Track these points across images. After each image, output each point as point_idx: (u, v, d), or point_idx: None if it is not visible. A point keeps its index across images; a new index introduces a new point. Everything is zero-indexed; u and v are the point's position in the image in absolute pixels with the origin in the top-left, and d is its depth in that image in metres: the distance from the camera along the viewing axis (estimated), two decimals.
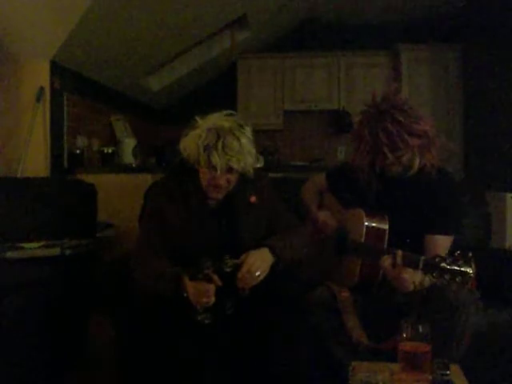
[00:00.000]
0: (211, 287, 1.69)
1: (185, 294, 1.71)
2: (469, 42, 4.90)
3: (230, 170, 1.74)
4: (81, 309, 2.35)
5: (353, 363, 1.55)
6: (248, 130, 1.78)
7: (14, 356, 2.06)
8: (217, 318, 1.75)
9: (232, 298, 1.78)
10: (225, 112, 1.80)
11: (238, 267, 1.75)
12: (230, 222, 1.86)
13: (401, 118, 1.79)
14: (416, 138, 1.81)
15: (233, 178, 1.78)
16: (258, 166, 1.87)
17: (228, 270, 1.77)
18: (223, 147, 1.69)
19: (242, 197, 1.87)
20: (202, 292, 1.69)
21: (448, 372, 1.44)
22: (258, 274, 1.73)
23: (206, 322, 1.74)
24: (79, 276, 2.35)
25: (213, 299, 1.69)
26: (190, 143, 1.75)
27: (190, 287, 1.70)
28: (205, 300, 1.68)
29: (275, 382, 1.73)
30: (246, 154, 1.74)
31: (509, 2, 3.97)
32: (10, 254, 2.13)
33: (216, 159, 1.69)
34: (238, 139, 1.72)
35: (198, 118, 1.79)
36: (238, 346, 1.73)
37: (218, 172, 1.72)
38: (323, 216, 2.17)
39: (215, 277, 1.72)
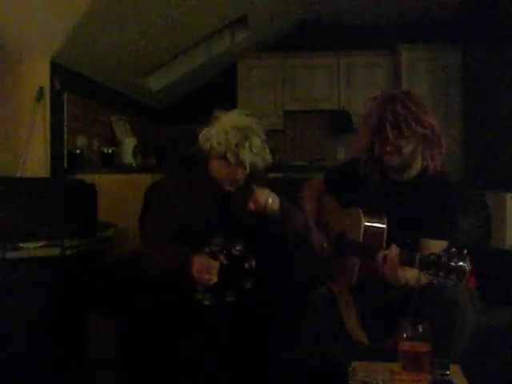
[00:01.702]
0: (215, 264, 1.72)
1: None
2: (469, 42, 4.91)
3: (251, 166, 1.82)
4: (81, 309, 2.35)
5: (353, 363, 1.55)
6: (263, 131, 1.88)
7: (14, 356, 2.06)
8: (216, 302, 1.76)
9: (234, 285, 1.80)
10: (243, 111, 1.89)
11: (246, 254, 1.80)
12: (233, 213, 1.89)
13: (411, 106, 1.82)
14: (421, 128, 1.82)
15: (246, 172, 1.85)
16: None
17: (235, 252, 1.82)
18: (250, 146, 1.78)
19: (246, 189, 1.88)
20: (206, 267, 1.71)
21: (448, 372, 1.44)
22: (270, 200, 1.78)
23: (205, 302, 1.75)
24: (79, 276, 2.35)
25: (215, 278, 1.71)
26: (216, 137, 1.79)
27: (195, 261, 1.72)
28: (207, 277, 1.70)
29: (275, 382, 1.73)
30: (267, 153, 1.85)
31: (509, 2, 3.98)
32: (9, 254, 2.13)
33: (244, 157, 1.77)
34: (262, 139, 1.83)
35: (219, 114, 1.86)
36: (238, 346, 1.73)
37: (247, 170, 1.80)
38: (320, 239, 2.19)
39: (221, 255, 1.76)
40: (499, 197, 3.38)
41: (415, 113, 1.81)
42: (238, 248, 1.84)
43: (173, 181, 1.96)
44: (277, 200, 1.82)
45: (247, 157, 1.78)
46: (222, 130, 1.80)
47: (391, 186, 1.97)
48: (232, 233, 1.86)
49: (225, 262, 1.75)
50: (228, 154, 1.78)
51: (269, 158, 1.87)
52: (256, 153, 1.80)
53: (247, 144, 1.78)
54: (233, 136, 1.78)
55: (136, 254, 1.99)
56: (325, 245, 2.18)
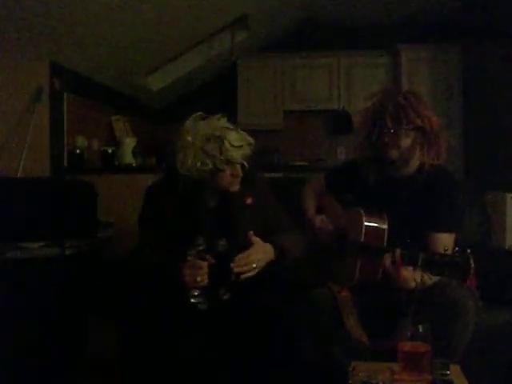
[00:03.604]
0: (204, 264, 1.71)
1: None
2: (469, 42, 4.90)
3: (244, 158, 1.80)
4: (81, 309, 2.35)
5: (353, 363, 1.55)
6: (224, 118, 1.83)
7: (14, 356, 2.06)
8: (211, 303, 1.75)
9: (226, 283, 1.77)
10: (196, 116, 1.81)
11: (232, 249, 1.77)
12: (225, 222, 1.87)
13: (412, 99, 1.86)
14: (420, 120, 1.84)
15: (246, 166, 1.83)
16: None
17: (221, 248, 1.80)
18: (231, 144, 1.74)
19: (239, 198, 1.88)
20: (195, 269, 1.70)
21: (448, 372, 1.44)
22: (254, 265, 1.73)
23: (201, 306, 1.74)
24: (79, 276, 2.35)
25: (206, 278, 1.69)
26: (197, 162, 1.74)
27: (183, 266, 1.71)
28: (198, 278, 1.68)
29: (275, 382, 1.73)
30: (246, 136, 1.80)
31: (509, 2, 3.97)
32: (10, 254, 2.13)
33: (235, 157, 1.75)
34: (233, 128, 1.78)
35: (182, 130, 1.79)
36: (238, 346, 1.73)
37: (245, 164, 1.79)
38: (319, 221, 2.18)
39: (207, 255, 1.74)
40: (499, 197, 3.38)
41: (415, 106, 1.84)
42: (222, 243, 1.81)
43: (167, 185, 1.92)
44: (263, 264, 1.76)
45: (237, 155, 1.75)
46: (198, 151, 1.74)
47: (390, 182, 1.97)
48: (230, 233, 1.85)
49: (212, 260, 1.74)
50: (219, 167, 1.75)
51: (250, 138, 1.81)
52: (240, 145, 1.76)
53: (227, 145, 1.73)
54: (211, 148, 1.73)
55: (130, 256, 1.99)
56: (325, 228, 2.15)
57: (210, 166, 1.75)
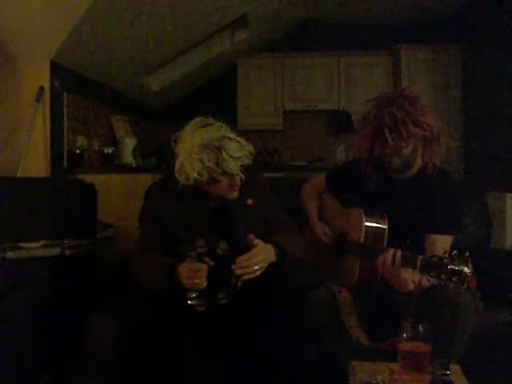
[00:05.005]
0: (203, 267, 1.69)
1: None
2: (469, 42, 4.91)
3: (242, 169, 1.76)
4: (81, 309, 2.35)
5: (353, 363, 1.55)
6: (226, 126, 1.79)
7: (14, 356, 2.06)
8: (209, 306, 1.74)
9: (224, 287, 1.76)
10: (197, 122, 1.77)
11: (232, 252, 1.75)
12: (226, 223, 1.87)
13: (408, 108, 1.80)
14: (420, 129, 1.81)
15: (242, 177, 1.80)
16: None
17: (221, 252, 1.78)
18: (229, 154, 1.70)
19: (239, 199, 1.87)
20: (194, 271, 1.68)
21: (448, 372, 1.44)
22: (256, 267, 1.71)
23: (198, 308, 1.73)
24: (79, 276, 2.35)
25: (205, 281, 1.67)
26: (194, 170, 1.71)
27: (182, 268, 1.69)
28: (197, 281, 1.67)
29: (276, 382, 1.73)
30: (245, 148, 1.75)
31: (509, 3, 3.98)
32: (9, 254, 2.13)
33: (230, 167, 1.70)
34: (233, 137, 1.73)
35: (177, 136, 1.77)
36: (237, 346, 1.73)
37: (242, 175, 1.75)
38: (320, 230, 2.18)
39: (207, 257, 1.73)
40: (499, 197, 3.38)
41: (413, 115, 1.80)
42: (222, 247, 1.80)
43: (167, 186, 1.89)
44: (265, 266, 1.72)
45: (234, 166, 1.71)
46: (194, 162, 1.70)
47: (392, 184, 1.97)
48: (229, 238, 1.84)
49: (212, 263, 1.72)
50: (215, 177, 1.72)
51: (250, 147, 1.77)
52: (239, 156, 1.72)
53: (225, 155, 1.69)
54: (208, 159, 1.68)
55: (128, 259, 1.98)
56: (325, 240, 2.16)
57: (207, 176, 1.72)
